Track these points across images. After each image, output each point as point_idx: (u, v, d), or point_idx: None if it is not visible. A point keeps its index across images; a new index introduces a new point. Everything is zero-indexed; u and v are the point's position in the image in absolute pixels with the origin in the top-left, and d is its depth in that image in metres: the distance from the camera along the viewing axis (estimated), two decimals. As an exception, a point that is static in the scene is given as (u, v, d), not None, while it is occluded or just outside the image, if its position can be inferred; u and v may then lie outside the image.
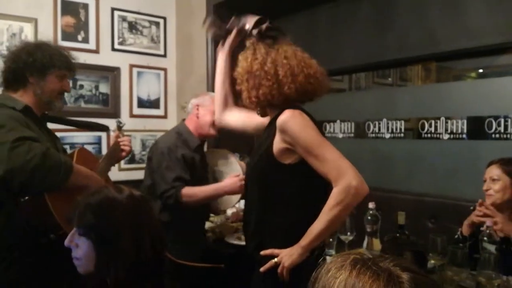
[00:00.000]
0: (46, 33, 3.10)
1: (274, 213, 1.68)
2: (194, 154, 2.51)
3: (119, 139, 2.19)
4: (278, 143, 1.64)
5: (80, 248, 1.22)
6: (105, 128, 2.29)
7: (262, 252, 1.64)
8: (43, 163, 1.56)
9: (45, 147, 1.61)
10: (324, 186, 1.63)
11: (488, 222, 1.87)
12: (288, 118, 1.60)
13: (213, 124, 2.46)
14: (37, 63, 1.80)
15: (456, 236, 2.12)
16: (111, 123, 2.44)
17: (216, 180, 2.64)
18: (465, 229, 2.09)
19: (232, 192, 2.46)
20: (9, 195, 1.61)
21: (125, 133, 3.52)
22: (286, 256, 1.58)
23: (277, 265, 1.59)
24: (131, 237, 1.19)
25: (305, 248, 1.57)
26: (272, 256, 1.62)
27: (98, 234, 1.19)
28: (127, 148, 2.19)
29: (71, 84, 3.27)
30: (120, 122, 2.25)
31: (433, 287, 0.69)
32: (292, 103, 1.69)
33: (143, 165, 3.53)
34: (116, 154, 2.17)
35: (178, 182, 2.34)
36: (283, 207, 1.67)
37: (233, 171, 2.58)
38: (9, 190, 1.57)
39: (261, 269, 1.61)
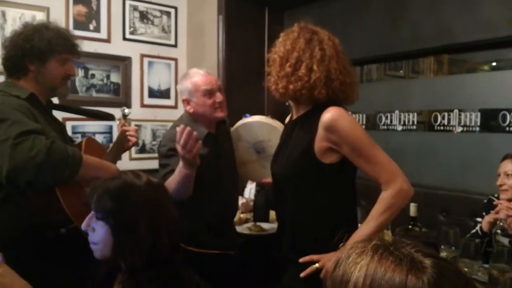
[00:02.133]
0: (58, 22, 3.10)
1: (310, 213, 1.62)
2: (204, 148, 2.06)
3: (125, 128, 2.11)
4: (320, 142, 1.55)
5: (97, 232, 1.22)
6: (110, 117, 2.17)
7: (301, 260, 1.56)
8: (48, 159, 1.47)
9: (49, 141, 1.51)
10: (355, 188, 1.62)
11: (502, 214, 1.86)
12: (338, 116, 1.53)
13: (212, 106, 2.12)
14: (35, 50, 1.70)
15: (474, 231, 2.10)
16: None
17: (263, 152, 2.26)
18: (485, 225, 2.06)
19: None
20: (17, 189, 1.55)
21: (136, 123, 3.58)
22: (330, 262, 1.51)
23: (318, 270, 1.53)
24: (148, 223, 1.20)
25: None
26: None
27: (116, 219, 1.20)
28: (133, 138, 2.10)
29: (82, 73, 3.35)
30: (125, 111, 2.16)
31: (456, 272, 0.67)
32: (321, 103, 1.62)
33: (154, 155, 3.56)
34: (123, 144, 2.09)
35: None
36: (320, 207, 1.61)
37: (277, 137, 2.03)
38: (17, 186, 1.50)
39: (302, 275, 1.54)
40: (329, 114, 1.53)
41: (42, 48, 1.71)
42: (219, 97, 2.13)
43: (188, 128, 1.71)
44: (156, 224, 1.21)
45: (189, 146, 1.72)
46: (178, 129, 1.72)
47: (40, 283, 1.66)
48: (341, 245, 1.52)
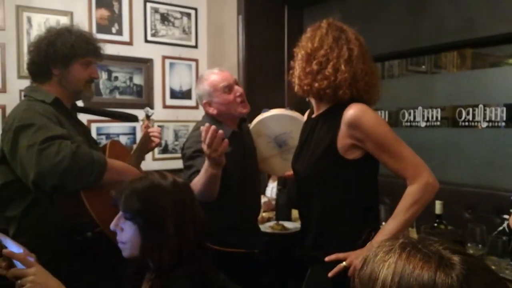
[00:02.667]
0: (82, 26, 3.16)
1: (336, 210, 1.63)
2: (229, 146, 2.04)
3: (148, 129, 2.11)
4: (344, 139, 1.56)
5: (125, 232, 1.25)
6: (134, 118, 2.19)
7: (327, 258, 1.55)
8: (73, 164, 1.49)
9: (75, 146, 1.53)
10: (377, 184, 1.63)
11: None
12: (361, 113, 1.53)
13: (234, 101, 2.10)
14: (59, 54, 1.72)
15: (501, 228, 2.06)
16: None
17: (285, 144, 2.24)
18: None
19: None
20: (44, 194, 1.57)
21: (158, 123, 3.62)
22: (358, 259, 1.49)
23: (346, 268, 1.52)
24: (175, 223, 1.22)
25: None
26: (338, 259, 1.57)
27: (143, 219, 1.22)
28: (156, 139, 2.10)
29: (106, 76, 3.41)
30: (148, 112, 2.17)
31: (485, 269, 0.67)
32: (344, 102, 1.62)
33: (176, 155, 3.61)
34: (146, 145, 2.10)
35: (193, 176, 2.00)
36: (346, 204, 1.62)
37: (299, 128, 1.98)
38: (43, 190, 1.53)
39: (330, 274, 1.54)
40: (352, 111, 1.53)
41: (65, 52, 1.73)
42: (238, 90, 2.12)
43: (213, 127, 1.68)
44: (183, 223, 1.23)
45: (215, 145, 1.68)
46: (203, 128, 1.69)
47: (70, 286, 1.71)
48: (368, 243, 1.53)
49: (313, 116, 1.74)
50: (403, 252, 0.68)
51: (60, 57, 1.73)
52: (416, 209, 1.50)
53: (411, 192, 1.51)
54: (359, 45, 1.64)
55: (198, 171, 1.88)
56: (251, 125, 2.29)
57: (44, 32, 1.82)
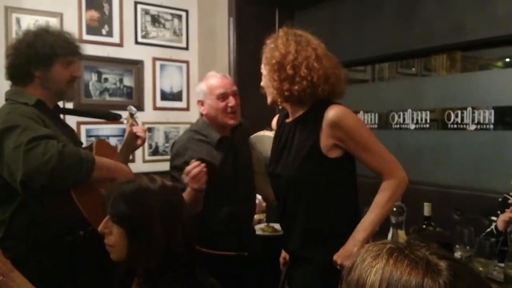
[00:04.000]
0: (71, 28, 3.15)
1: (323, 209, 1.68)
2: (217, 152, 2.14)
3: (133, 128, 2.11)
4: (326, 139, 1.63)
5: (113, 235, 1.24)
6: (117, 117, 2.18)
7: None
8: (61, 163, 1.48)
9: (61, 145, 1.53)
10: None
11: (517, 214, 1.84)
12: (343, 114, 1.62)
13: (224, 110, 2.13)
14: (39, 55, 1.71)
15: (489, 230, 2.08)
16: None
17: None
18: (500, 224, 2.03)
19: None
20: (33, 195, 1.56)
21: (149, 125, 3.62)
22: (345, 257, 1.54)
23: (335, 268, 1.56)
24: (163, 227, 1.21)
25: (362, 242, 1.55)
26: (322, 255, 1.61)
27: (131, 223, 1.22)
28: (142, 135, 2.10)
29: (95, 77, 3.39)
30: (131, 110, 2.17)
31: (471, 274, 0.68)
32: (321, 101, 1.69)
33: (167, 157, 3.57)
34: (132, 143, 2.10)
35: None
36: (331, 202, 1.68)
37: None
38: (32, 191, 1.52)
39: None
40: (334, 112, 1.61)
41: (46, 53, 1.72)
42: (231, 101, 2.15)
43: (201, 165, 1.84)
44: (171, 227, 1.23)
45: (198, 178, 1.83)
46: (192, 162, 1.85)
47: (62, 285, 1.69)
48: (350, 237, 1.57)
49: (288, 120, 1.79)
50: (391, 257, 0.68)
51: (41, 58, 1.72)
52: (393, 203, 1.62)
53: (388, 187, 1.59)
54: (319, 44, 1.71)
55: (183, 189, 1.87)
56: (251, 137, 2.32)
57: (21, 34, 1.80)
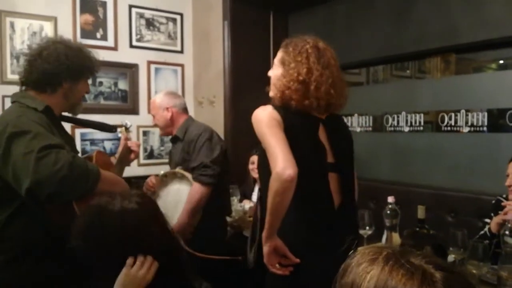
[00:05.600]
0: (66, 31, 3.15)
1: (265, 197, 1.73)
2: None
3: (127, 142, 2.15)
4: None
5: None
6: (112, 129, 2.21)
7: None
8: (71, 173, 1.49)
9: (71, 155, 1.54)
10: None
11: (510, 216, 1.84)
12: (253, 114, 1.72)
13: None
14: (74, 69, 1.78)
15: (483, 232, 2.09)
16: (129, 119, 2.43)
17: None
18: (493, 227, 2.04)
19: None
20: (35, 202, 1.56)
21: (143, 129, 3.62)
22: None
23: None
24: (128, 252, 1.23)
25: (264, 238, 1.65)
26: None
27: (85, 258, 1.25)
28: (136, 150, 2.16)
29: (90, 81, 3.37)
30: (127, 124, 2.21)
31: (465, 285, 0.67)
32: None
33: (162, 160, 3.60)
34: (126, 157, 2.15)
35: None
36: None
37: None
38: (36, 199, 1.51)
39: None
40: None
41: (81, 69, 1.80)
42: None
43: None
44: (140, 249, 1.23)
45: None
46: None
47: None
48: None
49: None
50: (386, 265, 0.67)
51: (75, 72, 1.78)
52: (271, 199, 1.57)
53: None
54: (335, 61, 1.83)
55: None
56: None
57: (57, 42, 1.82)
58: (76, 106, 1.89)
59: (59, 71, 1.74)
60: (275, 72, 1.81)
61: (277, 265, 1.66)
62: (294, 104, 1.72)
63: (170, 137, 2.84)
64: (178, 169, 2.59)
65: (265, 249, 1.64)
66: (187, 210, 2.45)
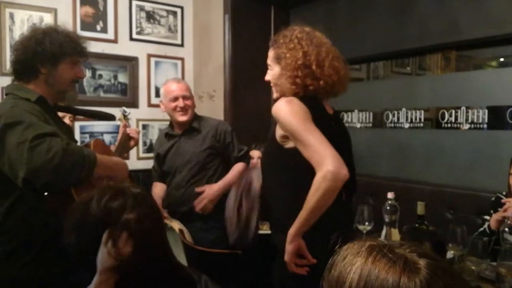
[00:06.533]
0: (65, 23, 3.13)
1: (273, 197, 1.75)
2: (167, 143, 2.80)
3: (126, 129, 2.14)
4: (278, 130, 1.70)
5: None
6: (111, 117, 2.19)
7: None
8: (65, 161, 1.49)
9: (65, 143, 1.54)
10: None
11: (509, 213, 1.84)
12: (277, 106, 1.66)
13: (174, 109, 2.68)
14: (47, 53, 1.71)
15: (482, 229, 2.09)
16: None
17: None
18: (493, 224, 2.04)
19: None
20: (33, 192, 1.56)
21: (143, 122, 3.61)
22: (286, 253, 1.62)
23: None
24: (131, 244, 1.22)
25: (292, 236, 1.59)
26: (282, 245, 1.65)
27: (80, 253, 1.25)
28: (135, 136, 2.14)
29: (90, 73, 3.37)
30: (125, 111, 2.20)
31: (451, 274, 0.68)
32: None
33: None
34: (126, 144, 2.13)
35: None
36: (280, 191, 1.72)
37: None
38: (33, 188, 1.52)
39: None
40: (274, 106, 1.68)
41: (54, 51, 1.73)
42: (180, 103, 2.66)
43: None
44: (136, 242, 1.22)
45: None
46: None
47: (60, 283, 1.68)
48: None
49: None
50: (370, 255, 0.68)
51: (49, 55, 1.72)
52: (318, 197, 1.52)
53: (314, 181, 1.54)
54: (327, 43, 1.80)
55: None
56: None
57: (29, 31, 1.80)
58: (65, 93, 1.84)
59: (30, 56, 1.72)
60: (273, 72, 1.80)
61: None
62: (313, 89, 1.71)
63: (169, 131, 2.83)
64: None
65: (290, 247, 1.59)
66: (229, 180, 2.62)
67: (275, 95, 1.83)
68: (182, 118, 2.68)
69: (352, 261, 0.69)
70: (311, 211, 1.55)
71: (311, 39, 1.74)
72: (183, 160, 2.70)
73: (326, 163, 1.50)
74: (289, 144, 1.67)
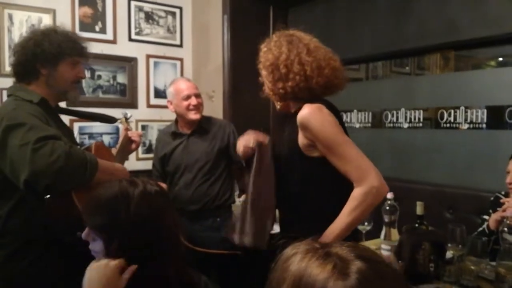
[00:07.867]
0: (64, 24, 3.12)
1: (293, 206, 1.69)
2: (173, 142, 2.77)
3: (128, 132, 2.13)
4: (302, 139, 1.63)
5: (96, 242, 1.23)
6: (112, 120, 2.18)
7: None
8: (67, 164, 1.49)
9: (68, 146, 1.54)
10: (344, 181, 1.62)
11: (509, 212, 1.85)
12: (308, 114, 1.58)
13: (187, 108, 2.67)
14: (47, 53, 1.72)
15: (481, 229, 2.09)
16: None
17: None
18: (492, 223, 2.04)
19: None
20: (34, 194, 1.55)
21: (142, 123, 3.61)
22: None
23: None
24: (143, 233, 1.19)
25: None
26: None
27: (107, 234, 1.20)
28: (137, 140, 2.13)
29: (89, 74, 3.37)
30: (126, 114, 2.20)
31: (384, 278, 0.68)
32: (316, 96, 1.67)
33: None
34: (127, 147, 2.12)
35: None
36: (304, 201, 1.66)
37: None
38: (35, 190, 1.51)
39: None
40: (303, 112, 1.59)
41: (53, 52, 1.73)
42: (193, 100, 2.67)
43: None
44: (152, 232, 1.20)
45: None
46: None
47: (61, 285, 1.67)
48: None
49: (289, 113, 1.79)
50: (305, 256, 0.71)
51: (48, 56, 1.72)
52: (359, 213, 1.51)
53: (354, 196, 1.51)
54: (311, 38, 1.72)
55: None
56: None
57: (28, 32, 1.81)
58: (66, 93, 1.84)
59: (30, 58, 1.72)
60: (267, 79, 1.74)
61: None
62: (296, 91, 1.66)
63: (175, 130, 2.81)
64: None
65: None
66: None
67: (278, 107, 1.81)
68: (196, 116, 2.68)
69: (288, 261, 0.72)
70: (347, 227, 1.52)
71: (288, 39, 1.70)
72: (192, 158, 2.69)
73: (370, 178, 1.49)
74: (315, 153, 1.62)
